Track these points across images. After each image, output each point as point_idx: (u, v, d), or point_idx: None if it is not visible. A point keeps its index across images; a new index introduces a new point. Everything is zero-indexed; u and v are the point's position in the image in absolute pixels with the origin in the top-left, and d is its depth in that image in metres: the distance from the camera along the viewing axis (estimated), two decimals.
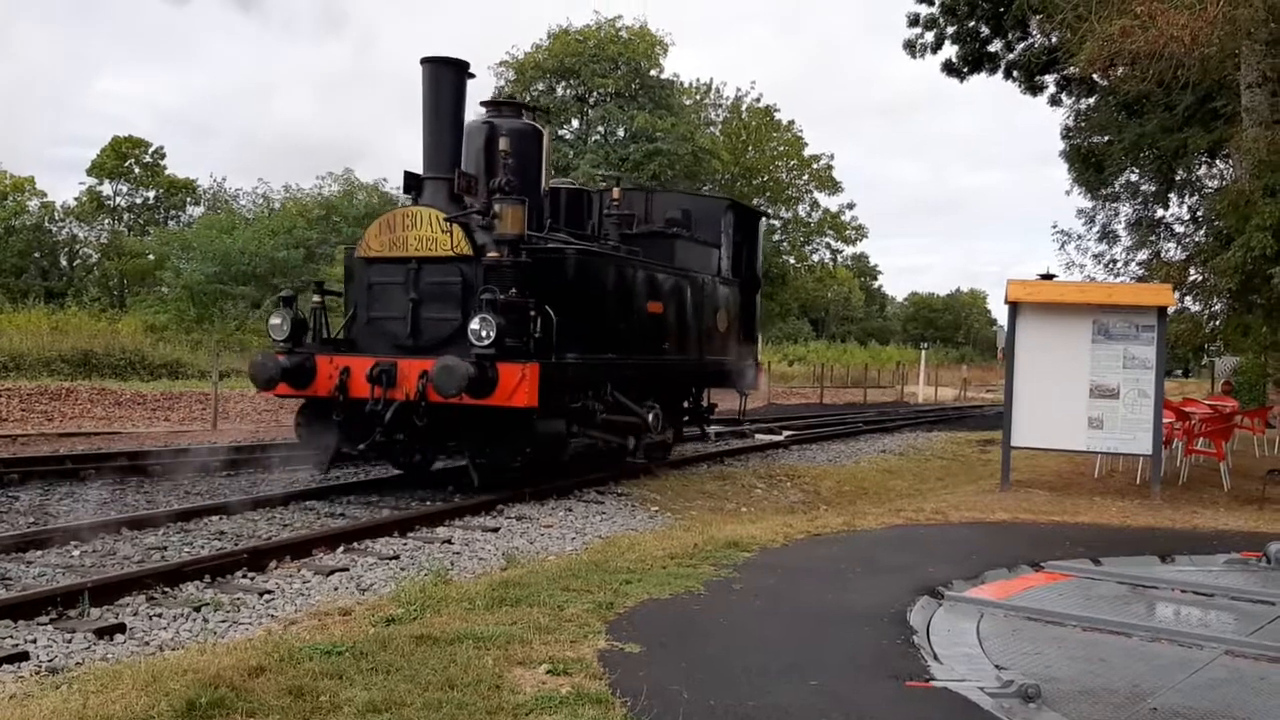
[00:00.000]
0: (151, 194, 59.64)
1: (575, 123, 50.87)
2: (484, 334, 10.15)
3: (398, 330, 11.24)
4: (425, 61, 11.47)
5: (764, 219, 19.80)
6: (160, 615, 6.55)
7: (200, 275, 41.06)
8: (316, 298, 12.04)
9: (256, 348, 35.73)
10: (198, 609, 6.70)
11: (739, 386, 16.49)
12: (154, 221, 58.37)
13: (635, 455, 13.27)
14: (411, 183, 11.51)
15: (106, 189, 58.43)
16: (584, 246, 12.32)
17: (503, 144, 11.31)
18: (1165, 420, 13.12)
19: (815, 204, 68.56)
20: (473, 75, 11.64)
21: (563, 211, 13.40)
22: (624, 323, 12.36)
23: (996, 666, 5.18)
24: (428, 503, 10.92)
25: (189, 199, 59.54)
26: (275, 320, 11.43)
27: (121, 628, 6.21)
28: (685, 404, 15.51)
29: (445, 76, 11.46)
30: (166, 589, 7.09)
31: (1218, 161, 18.10)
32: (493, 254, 10.72)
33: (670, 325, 13.45)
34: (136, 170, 58.59)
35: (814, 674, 4.82)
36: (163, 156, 59.19)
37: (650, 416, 13.02)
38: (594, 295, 11.80)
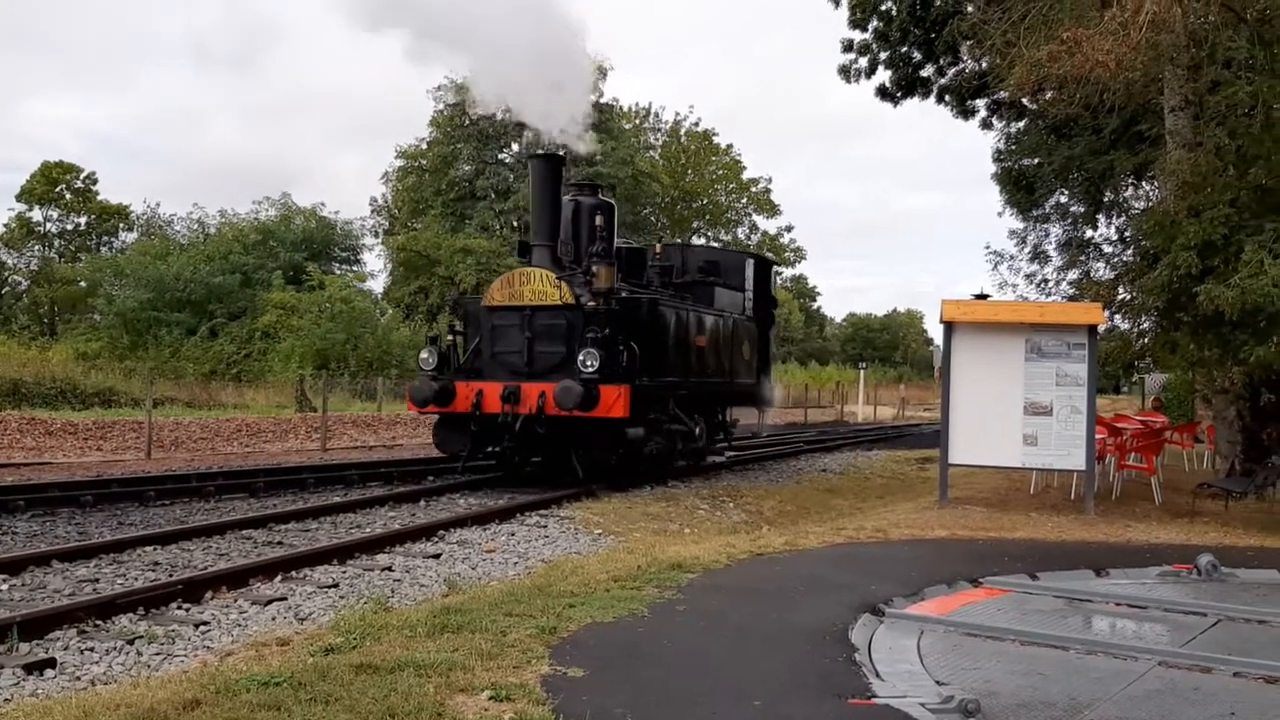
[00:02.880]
0: (83, 220, 58.57)
1: (515, 146, 50.94)
2: (589, 364, 13.20)
3: (516, 361, 14.24)
4: (533, 158, 15.38)
5: (775, 266, 23.29)
6: (92, 649, 6.40)
7: (134, 302, 40.38)
8: (449, 337, 15.04)
9: (192, 375, 35.29)
10: (131, 642, 6.56)
11: (759, 404, 19.81)
12: (86, 248, 57.29)
13: (689, 456, 16.63)
14: (523, 249, 15.44)
15: (36, 215, 57.30)
16: (653, 295, 15.17)
17: (598, 220, 14.46)
18: (1098, 436, 13.38)
19: (754, 227, 69.27)
20: (565, 163, 15.33)
21: (623, 265, 15.60)
22: (681, 354, 15.31)
23: (937, 682, 5.24)
24: (372, 530, 10.83)
25: (122, 225, 58.54)
26: (424, 354, 14.61)
27: (52, 662, 6.05)
28: (715, 420, 18.13)
29: (549, 169, 14.81)
30: (99, 622, 6.93)
31: (1143, 183, 18.47)
32: (591, 303, 13.70)
33: (711, 355, 16.47)
34: (67, 196, 57.47)
35: (757, 694, 4.83)
36: (94, 182, 58.25)
37: (697, 428, 16.38)
38: (661, 332, 14.76)
